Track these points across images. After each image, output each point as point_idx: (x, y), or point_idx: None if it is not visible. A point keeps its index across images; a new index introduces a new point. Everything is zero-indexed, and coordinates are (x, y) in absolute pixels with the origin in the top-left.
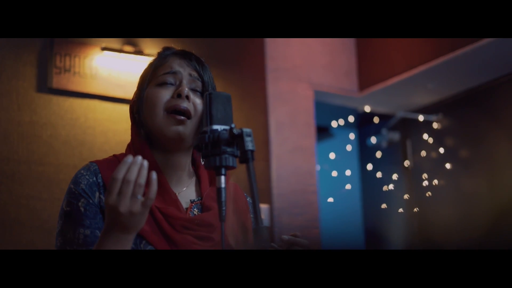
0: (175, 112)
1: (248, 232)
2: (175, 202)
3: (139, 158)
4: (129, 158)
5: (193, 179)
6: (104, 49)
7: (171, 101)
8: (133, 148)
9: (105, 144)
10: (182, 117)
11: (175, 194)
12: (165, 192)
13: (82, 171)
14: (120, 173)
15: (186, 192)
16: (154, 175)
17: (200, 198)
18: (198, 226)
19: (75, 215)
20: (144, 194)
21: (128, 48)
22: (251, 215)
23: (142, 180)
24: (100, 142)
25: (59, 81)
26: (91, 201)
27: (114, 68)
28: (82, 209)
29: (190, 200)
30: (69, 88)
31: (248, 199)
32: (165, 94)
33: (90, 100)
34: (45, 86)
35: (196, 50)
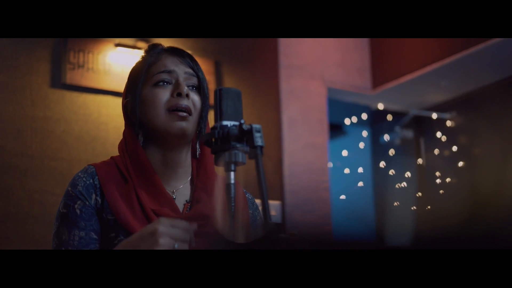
0: (177, 110)
1: (245, 227)
2: (170, 203)
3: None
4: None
5: (190, 176)
6: (117, 45)
7: (172, 101)
8: (126, 150)
9: (117, 140)
10: (185, 114)
11: (170, 195)
12: (160, 194)
13: (79, 174)
14: (182, 224)
15: (183, 190)
16: (184, 202)
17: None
18: (194, 221)
19: (71, 217)
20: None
21: (141, 44)
22: (250, 211)
23: (187, 238)
24: (113, 138)
25: (72, 76)
26: (87, 203)
27: (127, 64)
28: (78, 211)
29: (186, 201)
30: (83, 84)
31: (247, 195)
32: (164, 94)
33: (103, 96)
34: (59, 82)
35: (210, 46)
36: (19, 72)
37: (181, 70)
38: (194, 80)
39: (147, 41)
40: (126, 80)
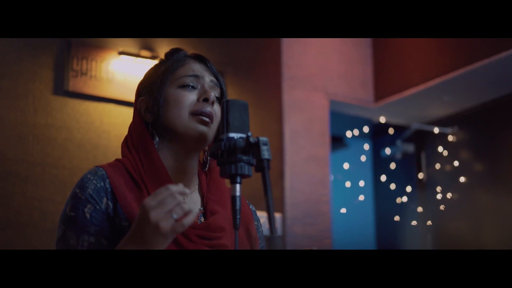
0: (201, 114)
1: (254, 239)
2: None
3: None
4: (181, 186)
5: (197, 184)
6: (121, 53)
7: (197, 105)
8: (136, 151)
9: (119, 149)
10: (207, 119)
11: (185, 201)
12: None
13: (88, 176)
14: (173, 188)
15: (192, 197)
16: (197, 211)
17: (203, 207)
18: (211, 232)
19: (80, 221)
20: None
21: (145, 53)
22: (255, 223)
23: (186, 206)
24: (115, 147)
25: (75, 84)
26: (97, 207)
27: (130, 72)
28: (88, 215)
29: (199, 208)
30: (85, 91)
31: (251, 207)
32: (190, 97)
33: (106, 104)
34: (62, 89)
35: (213, 57)
36: (22, 78)
37: (207, 78)
38: (217, 90)
39: (150, 50)
40: (129, 88)
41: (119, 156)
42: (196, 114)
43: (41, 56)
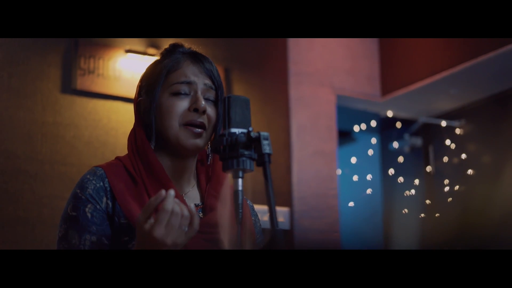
0: (192, 125)
1: (252, 234)
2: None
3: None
4: (172, 191)
5: (196, 181)
6: (128, 51)
7: (188, 115)
8: (137, 151)
9: (126, 146)
10: (199, 130)
11: (182, 197)
12: None
13: (88, 176)
14: (169, 205)
15: (191, 194)
16: (193, 207)
17: (203, 202)
18: (209, 228)
19: (82, 220)
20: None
21: (151, 50)
22: (253, 218)
23: (187, 212)
24: (123, 144)
25: (83, 82)
26: (98, 206)
27: (137, 70)
28: (89, 214)
29: (195, 204)
30: (93, 89)
31: (248, 202)
32: (181, 106)
33: (113, 101)
34: (69, 87)
35: (220, 53)
36: (30, 77)
37: (200, 82)
38: (212, 93)
39: (157, 48)
40: (136, 86)
41: (127, 144)
42: (187, 125)
43: (48, 55)
